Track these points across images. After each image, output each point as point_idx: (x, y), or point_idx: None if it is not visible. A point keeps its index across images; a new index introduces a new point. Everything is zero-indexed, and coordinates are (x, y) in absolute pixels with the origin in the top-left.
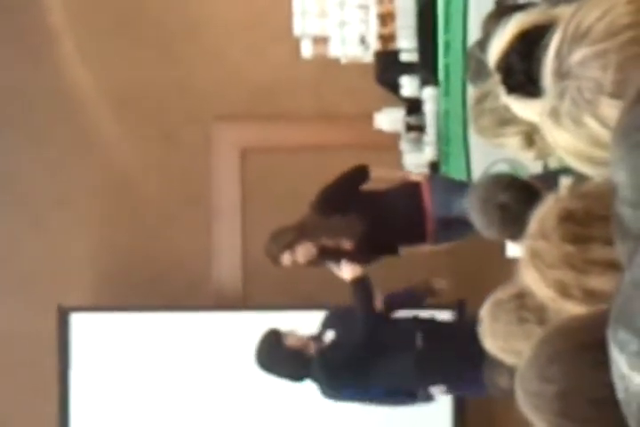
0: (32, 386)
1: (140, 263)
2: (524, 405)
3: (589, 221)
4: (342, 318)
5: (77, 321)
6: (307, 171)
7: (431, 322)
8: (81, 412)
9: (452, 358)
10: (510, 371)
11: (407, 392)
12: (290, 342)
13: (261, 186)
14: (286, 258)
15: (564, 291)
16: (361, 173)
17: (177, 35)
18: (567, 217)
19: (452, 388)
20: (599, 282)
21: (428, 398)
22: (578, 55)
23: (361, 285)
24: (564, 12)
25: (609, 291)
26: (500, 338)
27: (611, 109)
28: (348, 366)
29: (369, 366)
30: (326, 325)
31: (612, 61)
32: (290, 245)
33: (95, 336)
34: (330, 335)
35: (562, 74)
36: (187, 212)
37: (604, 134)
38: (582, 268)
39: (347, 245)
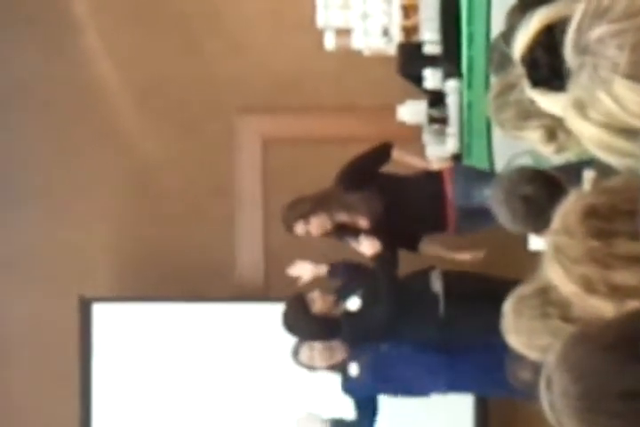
0: (54, 376)
1: (162, 254)
2: (552, 408)
3: (614, 216)
4: (366, 287)
5: (99, 312)
6: (329, 163)
7: (456, 289)
8: (103, 402)
9: (476, 327)
10: (534, 365)
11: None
12: (317, 308)
13: (283, 177)
14: (300, 228)
15: (588, 286)
16: (384, 150)
17: (199, 26)
18: (591, 212)
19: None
20: (624, 277)
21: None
22: (597, 32)
23: (382, 260)
24: None
25: (634, 286)
26: (523, 334)
27: (624, 90)
28: (376, 336)
29: (395, 335)
30: (349, 290)
31: (628, 42)
32: (305, 216)
33: (117, 327)
34: (356, 302)
35: (580, 48)
36: (209, 203)
37: (618, 112)
38: (607, 263)
39: (363, 222)
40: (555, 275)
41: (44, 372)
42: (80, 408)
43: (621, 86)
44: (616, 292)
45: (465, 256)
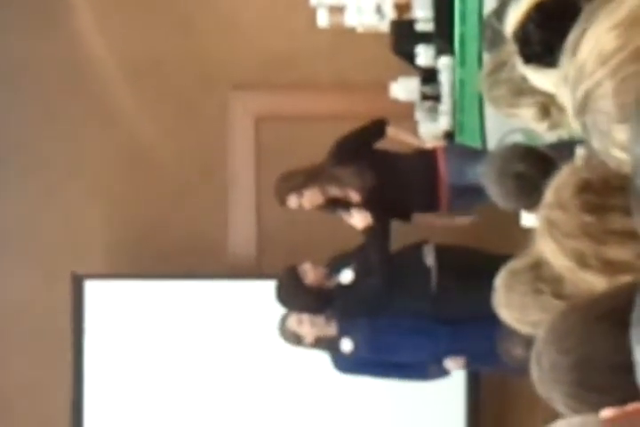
0: (46, 353)
1: (155, 232)
2: (541, 381)
3: (607, 191)
4: (358, 261)
5: (91, 288)
6: (322, 140)
7: (449, 262)
8: (95, 380)
9: (468, 300)
10: (526, 341)
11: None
12: (309, 279)
13: (276, 155)
14: (293, 201)
15: (581, 261)
16: (378, 126)
17: (193, 4)
18: (584, 187)
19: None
20: (618, 252)
21: (443, 372)
22: (581, 90)
23: (374, 233)
24: None
25: (627, 261)
26: (515, 309)
27: (624, 135)
28: (369, 308)
29: (387, 308)
30: (337, 266)
31: (608, 89)
32: (297, 189)
33: (109, 304)
34: (348, 274)
35: (577, 111)
36: (202, 181)
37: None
38: (601, 238)
39: (354, 196)
40: (547, 249)
41: (36, 349)
42: (72, 387)
43: (621, 132)
44: (609, 267)
45: (460, 220)
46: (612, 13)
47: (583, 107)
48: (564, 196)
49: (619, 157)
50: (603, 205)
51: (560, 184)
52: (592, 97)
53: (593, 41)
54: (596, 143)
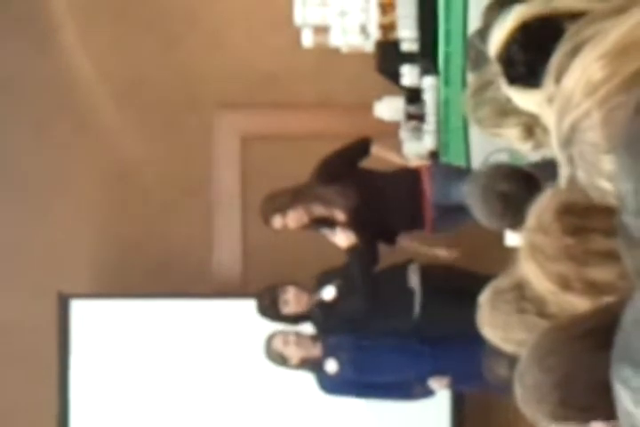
0: (32, 373)
1: (141, 251)
2: (525, 401)
3: (589, 213)
4: (342, 278)
5: (77, 308)
6: (307, 159)
7: (433, 284)
8: (81, 399)
9: (451, 320)
10: (509, 359)
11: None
12: (289, 310)
13: (261, 174)
14: (277, 221)
15: (564, 283)
16: (363, 145)
17: (178, 23)
18: (566, 210)
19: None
20: (600, 273)
21: (428, 392)
22: (567, 122)
23: (357, 252)
24: (564, 3)
25: (610, 281)
26: (499, 328)
27: (612, 165)
28: (349, 327)
29: (369, 328)
30: (324, 281)
31: (596, 119)
32: (281, 209)
33: (95, 323)
34: (331, 291)
35: (562, 143)
36: (187, 200)
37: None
38: (582, 259)
39: (339, 216)
40: (530, 273)
41: (22, 368)
42: (58, 406)
43: (609, 163)
44: (592, 288)
45: (442, 252)
46: (598, 43)
47: (569, 138)
48: (546, 219)
49: (605, 187)
50: (584, 227)
51: (542, 207)
52: (579, 128)
53: (580, 70)
54: (581, 174)
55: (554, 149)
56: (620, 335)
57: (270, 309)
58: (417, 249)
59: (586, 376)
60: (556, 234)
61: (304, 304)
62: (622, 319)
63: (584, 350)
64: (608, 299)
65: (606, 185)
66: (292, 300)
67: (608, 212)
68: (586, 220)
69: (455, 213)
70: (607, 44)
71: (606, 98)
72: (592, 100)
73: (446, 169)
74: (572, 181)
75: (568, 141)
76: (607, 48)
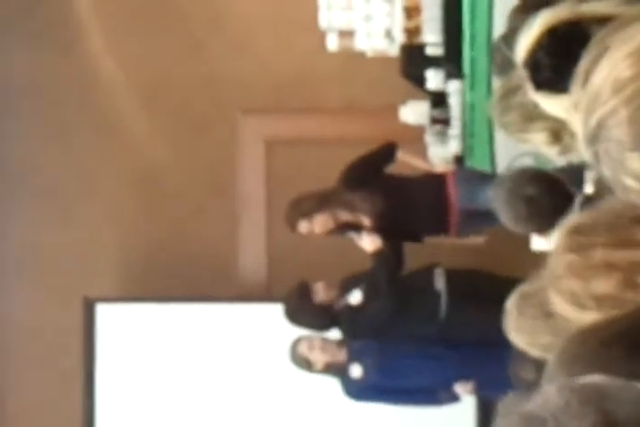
0: (58, 377)
1: (166, 255)
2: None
3: (594, 230)
4: (368, 283)
5: (103, 312)
6: (332, 163)
7: (459, 287)
8: (107, 403)
9: (477, 325)
10: (536, 364)
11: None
12: (319, 298)
13: (287, 178)
14: (304, 226)
15: (578, 302)
16: (388, 150)
17: (203, 28)
18: (574, 230)
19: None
20: (604, 286)
21: (453, 398)
22: (594, 118)
23: (383, 256)
24: (591, 8)
25: (611, 293)
26: (525, 332)
27: (638, 163)
28: (376, 331)
29: (395, 332)
30: (348, 287)
31: (623, 117)
32: (308, 214)
33: (121, 327)
34: (357, 295)
35: (588, 140)
36: (213, 204)
37: None
38: (586, 275)
39: (365, 221)
40: (551, 297)
41: (48, 373)
42: (83, 410)
43: (634, 161)
44: (602, 305)
45: (474, 240)
46: (627, 41)
47: (596, 135)
48: (557, 243)
49: (630, 185)
50: (586, 243)
51: (554, 261)
52: (606, 125)
53: (608, 68)
54: (607, 171)
55: (580, 149)
56: None
57: (300, 303)
58: (445, 240)
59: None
60: (560, 251)
61: (334, 296)
62: None
63: (612, 356)
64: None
65: (631, 183)
66: (322, 289)
67: (611, 226)
68: (590, 237)
69: (480, 217)
70: (635, 43)
71: (634, 96)
72: (619, 98)
73: (471, 174)
74: (599, 184)
75: (594, 138)
76: (635, 46)
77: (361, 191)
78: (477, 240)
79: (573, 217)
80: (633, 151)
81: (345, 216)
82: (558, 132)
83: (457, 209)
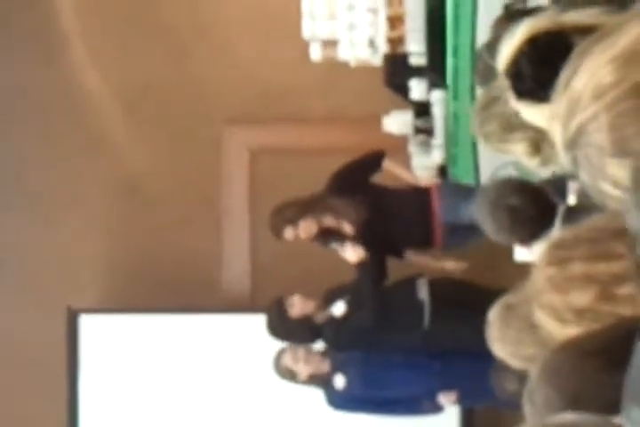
0: (41, 388)
1: (150, 265)
2: (535, 418)
3: (574, 244)
4: (351, 294)
5: (87, 323)
6: (315, 173)
7: (443, 296)
8: (90, 414)
9: (460, 335)
10: (518, 375)
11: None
12: (294, 312)
13: (270, 188)
14: (289, 233)
15: (558, 316)
16: (376, 159)
17: (187, 37)
18: (555, 245)
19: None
20: (582, 298)
21: (437, 408)
22: (575, 123)
23: (366, 267)
24: (572, 17)
25: (588, 306)
26: (509, 343)
27: (617, 169)
28: (360, 342)
29: (379, 342)
30: (331, 299)
31: (603, 122)
32: (292, 220)
33: (104, 338)
34: (341, 307)
35: (568, 145)
36: (197, 213)
37: (619, 197)
38: (564, 287)
39: (348, 228)
40: (534, 313)
41: (31, 384)
42: (67, 421)
43: (613, 167)
44: (581, 318)
45: (450, 264)
46: (608, 47)
47: (575, 140)
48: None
49: (607, 191)
50: (566, 257)
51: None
52: (586, 131)
53: (588, 74)
54: (585, 176)
55: (560, 158)
56: (630, 375)
57: (278, 319)
58: (426, 263)
59: (596, 395)
60: (542, 266)
61: (309, 308)
62: (633, 359)
63: (595, 368)
64: (625, 314)
65: (609, 188)
66: (298, 302)
67: (592, 241)
68: (571, 251)
69: (464, 230)
70: (617, 49)
71: (615, 102)
72: (600, 104)
73: (455, 187)
74: (582, 195)
75: (573, 143)
76: (616, 53)
77: (346, 198)
78: (459, 266)
79: (557, 233)
80: (613, 157)
81: (329, 222)
82: (538, 142)
83: (441, 222)
